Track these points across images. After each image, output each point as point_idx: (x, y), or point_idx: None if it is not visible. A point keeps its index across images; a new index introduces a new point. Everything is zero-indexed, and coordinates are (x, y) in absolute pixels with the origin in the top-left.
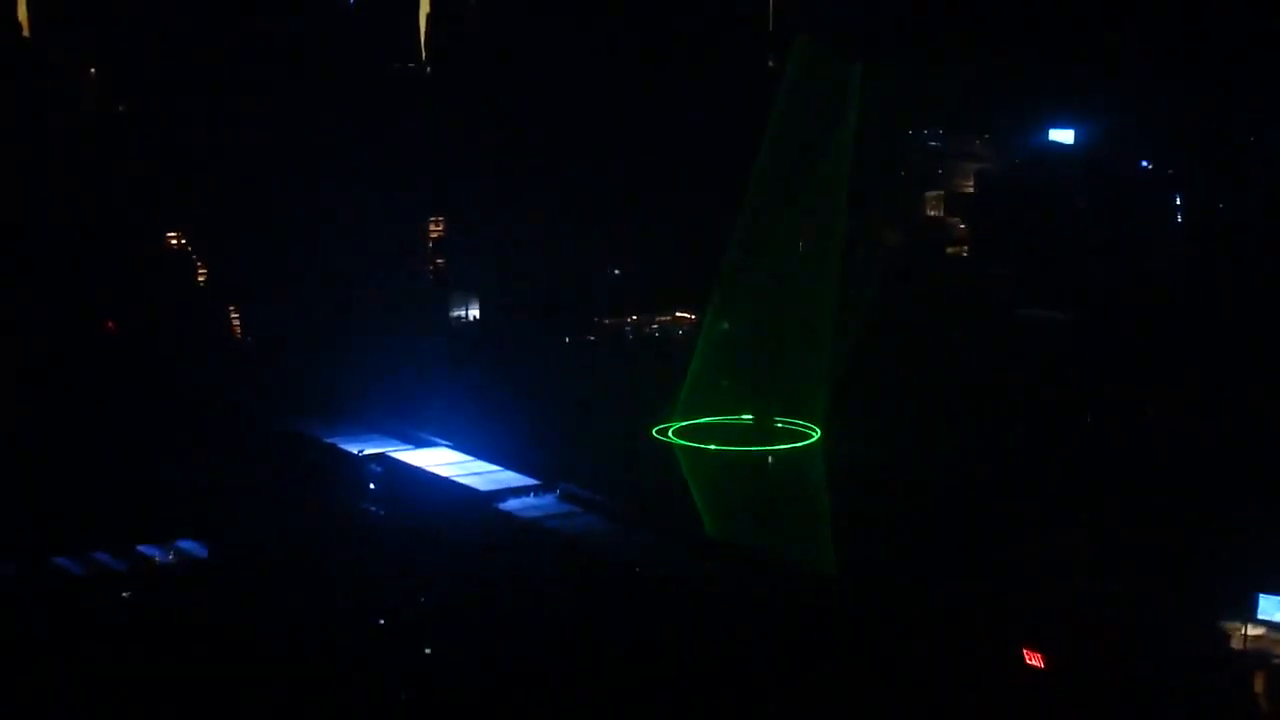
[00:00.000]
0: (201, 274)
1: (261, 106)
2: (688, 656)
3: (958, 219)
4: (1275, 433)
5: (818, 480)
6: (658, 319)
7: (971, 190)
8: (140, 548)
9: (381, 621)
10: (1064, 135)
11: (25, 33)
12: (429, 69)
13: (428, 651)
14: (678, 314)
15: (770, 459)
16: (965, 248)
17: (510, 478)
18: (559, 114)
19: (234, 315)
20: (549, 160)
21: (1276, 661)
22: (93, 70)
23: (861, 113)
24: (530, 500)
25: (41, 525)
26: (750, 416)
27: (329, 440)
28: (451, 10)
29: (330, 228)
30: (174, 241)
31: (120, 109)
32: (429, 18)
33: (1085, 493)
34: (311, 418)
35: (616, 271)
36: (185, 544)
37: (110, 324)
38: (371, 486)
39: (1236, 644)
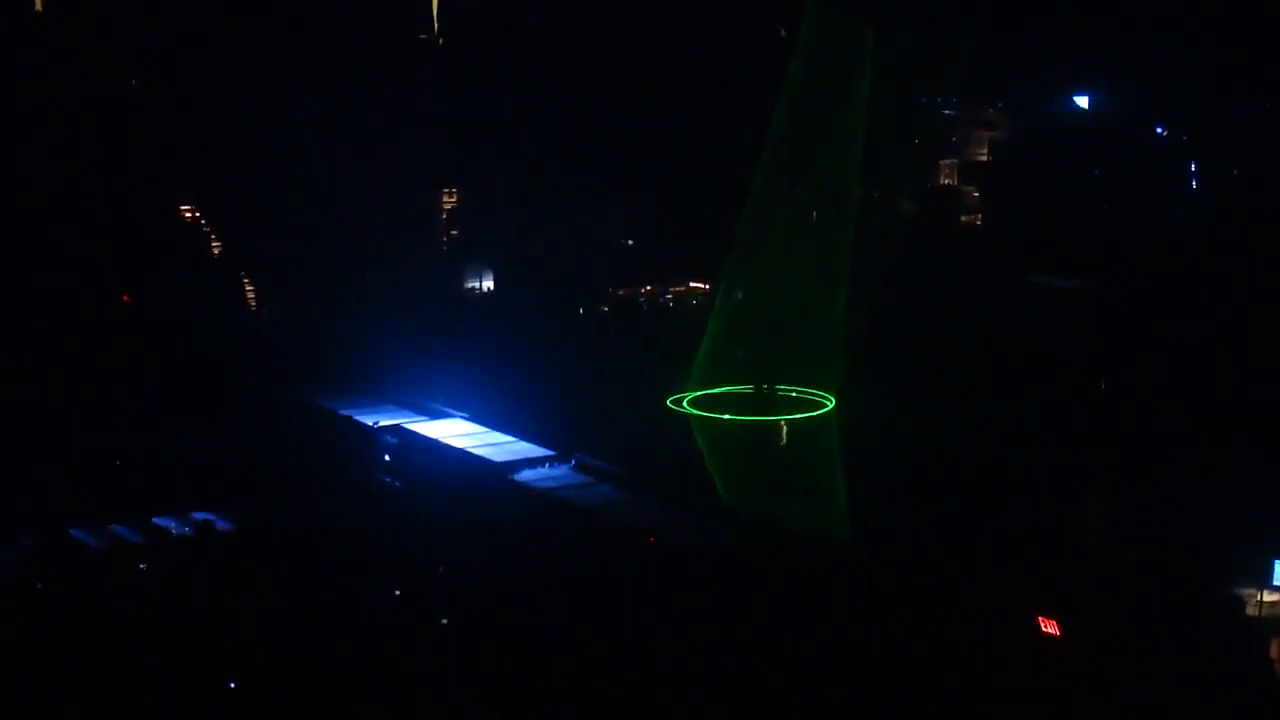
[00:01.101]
0: (215, 246)
1: (274, 77)
2: (705, 624)
3: (971, 187)
4: None
5: (832, 448)
6: (672, 289)
7: (985, 158)
8: (156, 519)
9: (397, 593)
10: (1078, 102)
11: (38, 6)
12: (442, 38)
13: (444, 622)
14: (692, 284)
15: (785, 428)
16: (979, 216)
17: (525, 448)
18: (573, 83)
19: (248, 287)
20: (563, 130)
21: None
22: (106, 44)
23: (875, 81)
24: (545, 471)
25: (58, 498)
26: (749, 387)
27: (344, 412)
28: None
29: (344, 199)
30: (187, 214)
31: (133, 82)
32: None
33: (1099, 459)
34: (326, 389)
35: (630, 241)
36: (201, 515)
37: (125, 296)
38: (386, 458)
39: (1252, 610)
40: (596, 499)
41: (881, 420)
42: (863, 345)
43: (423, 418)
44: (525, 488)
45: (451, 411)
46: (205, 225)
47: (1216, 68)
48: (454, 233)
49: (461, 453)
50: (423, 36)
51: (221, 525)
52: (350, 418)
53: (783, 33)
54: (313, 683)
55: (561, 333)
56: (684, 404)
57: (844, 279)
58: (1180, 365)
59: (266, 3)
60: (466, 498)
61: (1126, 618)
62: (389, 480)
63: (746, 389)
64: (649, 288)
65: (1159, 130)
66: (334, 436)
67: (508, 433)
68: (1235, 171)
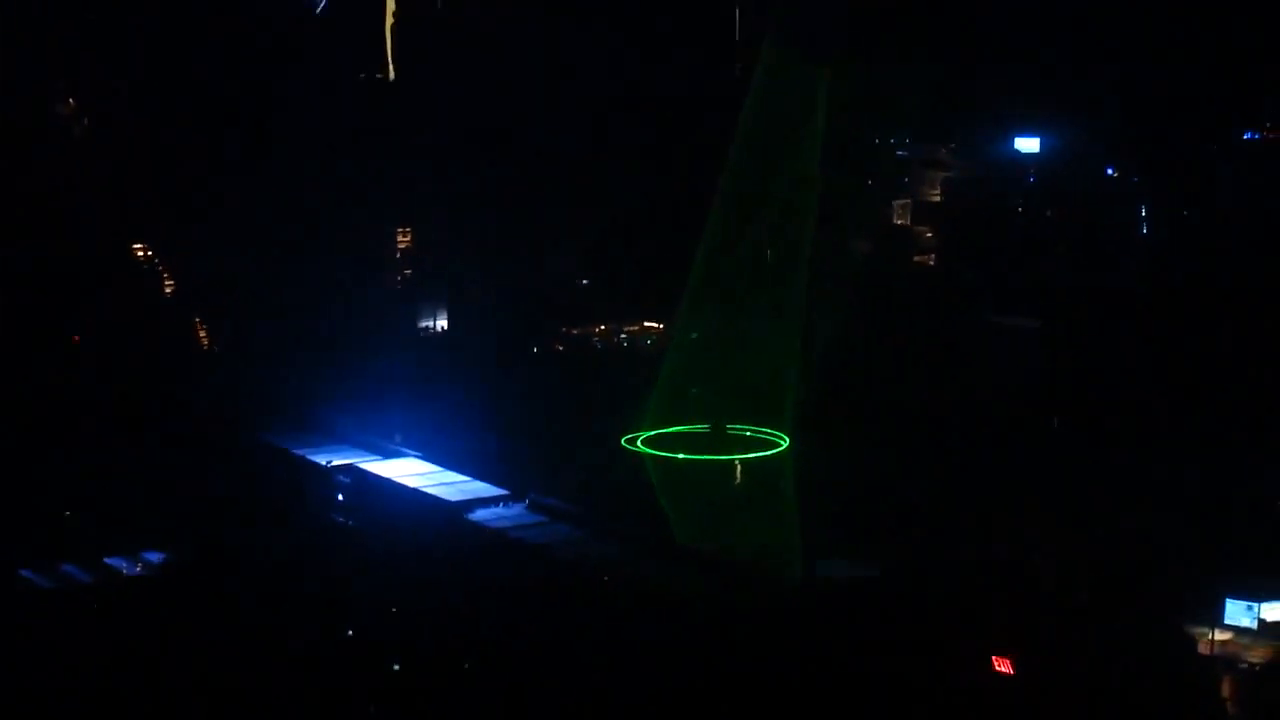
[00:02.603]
0: (169, 285)
1: (228, 115)
2: (657, 665)
3: (925, 228)
4: (1243, 437)
5: (787, 488)
6: (626, 329)
7: (938, 198)
8: (107, 559)
9: (350, 633)
10: (1029, 143)
11: None
12: (395, 78)
13: (396, 668)
14: (646, 324)
15: (739, 467)
16: (932, 256)
17: (479, 488)
18: (526, 124)
19: (201, 327)
20: (516, 170)
21: (1244, 666)
22: (58, 80)
23: (828, 121)
24: (499, 510)
25: (7, 538)
26: (705, 426)
27: (297, 451)
28: (417, 19)
29: (297, 239)
30: (140, 252)
31: (85, 120)
32: (394, 27)
33: (1053, 499)
34: (279, 429)
35: (584, 281)
36: (152, 555)
37: (75, 336)
38: (340, 497)
39: (1204, 649)
40: (550, 538)
41: (836, 460)
42: (817, 385)
43: (376, 457)
44: (479, 527)
45: (405, 451)
46: (158, 264)
47: (1165, 110)
48: (407, 272)
49: (415, 492)
50: (377, 76)
51: (173, 565)
52: (304, 457)
53: (738, 72)
54: None
55: (515, 372)
56: (638, 443)
57: (799, 319)
58: (1132, 405)
59: (223, 40)
60: (420, 538)
61: (1080, 656)
62: (342, 520)
63: (701, 428)
64: (603, 327)
65: (1109, 171)
66: (287, 476)
67: (461, 472)
68: (1184, 212)
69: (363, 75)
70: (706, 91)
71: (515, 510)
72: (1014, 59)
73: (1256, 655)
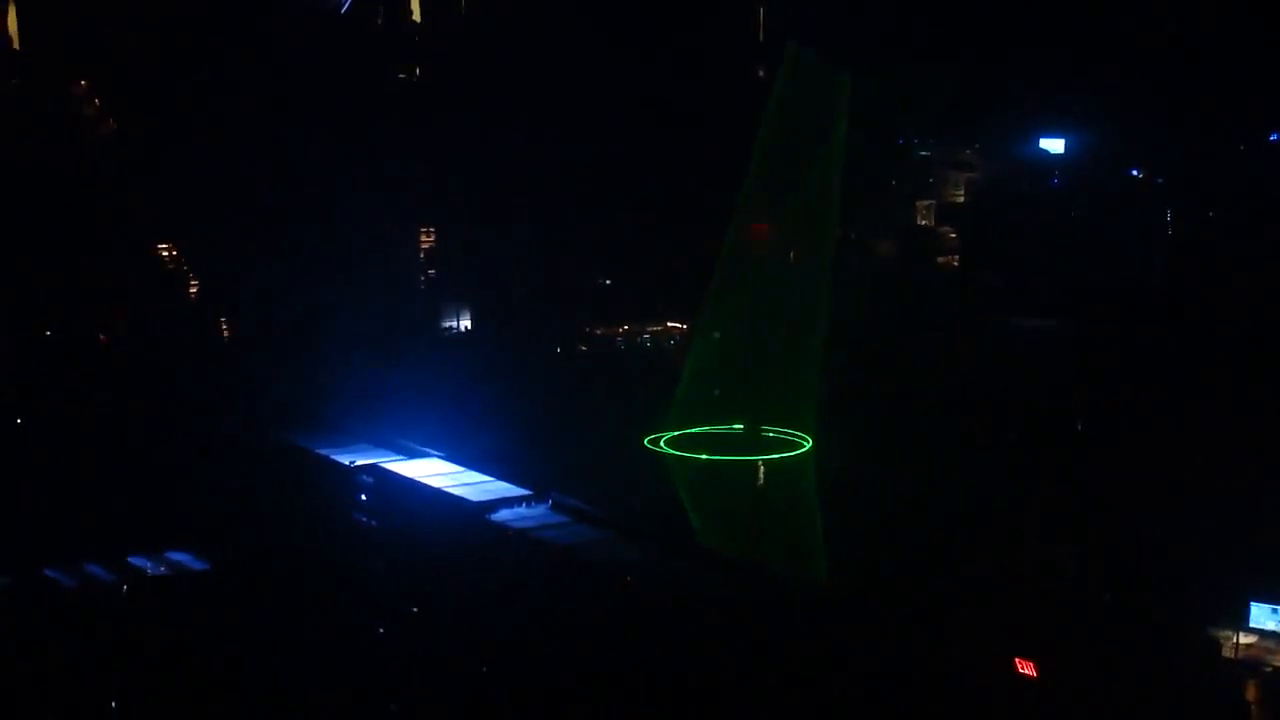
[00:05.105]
0: (193, 285)
1: (252, 116)
2: (680, 667)
3: (949, 228)
4: (1265, 439)
5: (809, 489)
6: (649, 329)
7: (962, 199)
8: (131, 559)
9: (372, 633)
10: (1054, 144)
11: (15, 45)
12: (419, 78)
13: (417, 668)
14: (669, 324)
15: (762, 468)
16: (956, 257)
17: (502, 488)
18: (549, 124)
19: (225, 326)
20: (540, 170)
21: (1269, 670)
22: (84, 82)
23: (852, 122)
24: (522, 510)
25: (32, 537)
26: (740, 426)
27: (320, 451)
28: (442, 20)
29: (322, 238)
30: (165, 253)
31: (110, 121)
32: (419, 27)
33: (1076, 501)
34: (302, 428)
35: (608, 281)
36: (176, 555)
37: (102, 336)
38: (363, 497)
39: (1228, 652)
40: (573, 539)
41: (859, 461)
42: (840, 386)
43: (399, 457)
44: (501, 527)
45: (428, 451)
46: (183, 263)
47: (1190, 111)
48: (431, 272)
49: (438, 492)
50: (401, 76)
51: (197, 565)
52: (327, 457)
53: (761, 74)
54: None
55: (539, 372)
56: (661, 444)
57: (821, 319)
58: (1155, 406)
59: (247, 41)
60: (443, 538)
61: (1103, 659)
62: (365, 520)
63: (725, 428)
64: (626, 327)
65: (1134, 172)
66: (310, 476)
67: (484, 472)
68: (1209, 213)
69: (387, 74)
70: (731, 92)
71: (538, 511)
72: (1039, 59)
73: None
